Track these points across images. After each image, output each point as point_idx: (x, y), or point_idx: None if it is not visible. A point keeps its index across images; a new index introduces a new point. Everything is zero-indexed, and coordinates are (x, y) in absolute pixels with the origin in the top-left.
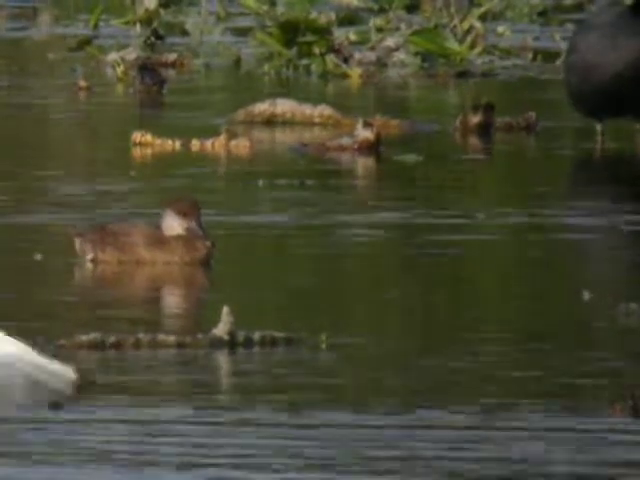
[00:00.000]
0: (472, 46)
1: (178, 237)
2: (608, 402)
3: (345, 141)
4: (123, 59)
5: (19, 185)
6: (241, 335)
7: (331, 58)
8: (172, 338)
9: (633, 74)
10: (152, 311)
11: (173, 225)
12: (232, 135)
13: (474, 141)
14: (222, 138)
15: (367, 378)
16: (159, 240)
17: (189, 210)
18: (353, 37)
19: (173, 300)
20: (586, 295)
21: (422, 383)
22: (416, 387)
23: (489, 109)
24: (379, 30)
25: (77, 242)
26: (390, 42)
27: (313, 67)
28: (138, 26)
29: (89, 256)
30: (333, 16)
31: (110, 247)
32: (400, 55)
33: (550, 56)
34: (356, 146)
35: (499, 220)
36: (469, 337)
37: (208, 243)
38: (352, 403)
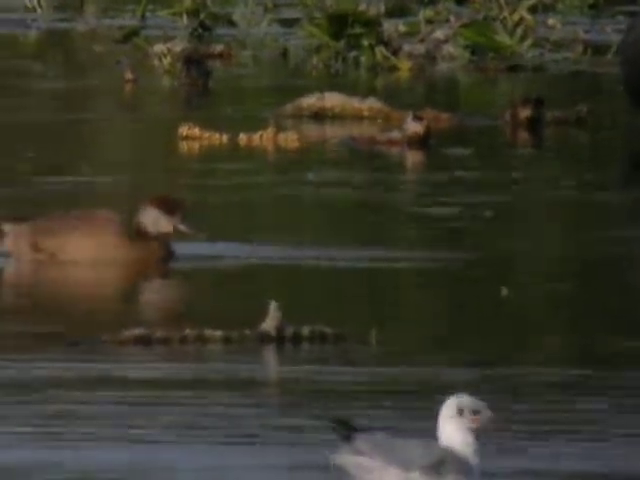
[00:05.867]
0: (522, 39)
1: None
2: None
3: (394, 135)
4: (170, 50)
5: (65, 179)
6: (289, 330)
7: (380, 50)
8: (219, 333)
9: None
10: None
11: (159, 222)
12: (280, 128)
13: (524, 135)
14: (270, 131)
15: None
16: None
17: (175, 208)
18: (402, 29)
19: (217, 295)
20: (504, 291)
21: None
22: None
23: (539, 103)
24: (429, 22)
25: (10, 234)
26: (439, 34)
27: (362, 59)
28: (185, 17)
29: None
30: (382, 7)
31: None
32: (450, 48)
33: (601, 49)
34: (406, 140)
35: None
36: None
37: (203, 236)
38: None
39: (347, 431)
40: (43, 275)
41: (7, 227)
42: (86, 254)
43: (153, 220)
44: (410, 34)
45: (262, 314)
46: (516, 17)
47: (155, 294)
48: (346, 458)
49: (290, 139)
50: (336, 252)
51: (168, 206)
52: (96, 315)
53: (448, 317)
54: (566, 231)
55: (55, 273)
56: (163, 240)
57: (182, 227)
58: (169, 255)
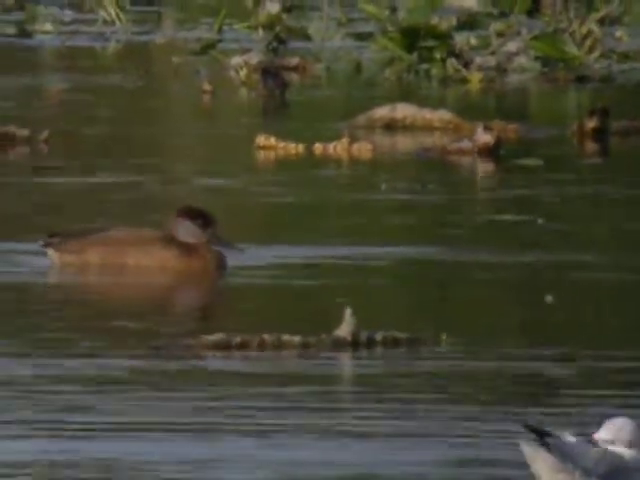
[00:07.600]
0: (590, 50)
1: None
2: None
3: (465, 144)
4: (246, 63)
5: (141, 188)
6: (364, 335)
7: (451, 63)
8: (297, 339)
9: None
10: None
11: (193, 235)
12: (354, 139)
13: (590, 145)
14: (344, 141)
15: None
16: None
17: (208, 221)
18: (473, 42)
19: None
20: (549, 299)
21: None
22: None
23: (604, 114)
24: (499, 35)
25: (57, 254)
26: (511, 47)
27: (433, 72)
28: (261, 30)
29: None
30: (454, 21)
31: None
32: (521, 60)
33: None
34: (476, 150)
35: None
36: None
37: (240, 251)
38: None
39: (543, 436)
40: (99, 286)
41: (52, 251)
42: (141, 268)
43: (187, 232)
44: (481, 47)
45: (331, 319)
46: (584, 29)
47: (215, 301)
48: (540, 455)
49: (364, 149)
50: (407, 256)
51: (201, 219)
52: (170, 323)
53: (518, 320)
54: (633, 241)
55: (110, 285)
56: (213, 249)
57: (216, 240)
58: (222, 263)
